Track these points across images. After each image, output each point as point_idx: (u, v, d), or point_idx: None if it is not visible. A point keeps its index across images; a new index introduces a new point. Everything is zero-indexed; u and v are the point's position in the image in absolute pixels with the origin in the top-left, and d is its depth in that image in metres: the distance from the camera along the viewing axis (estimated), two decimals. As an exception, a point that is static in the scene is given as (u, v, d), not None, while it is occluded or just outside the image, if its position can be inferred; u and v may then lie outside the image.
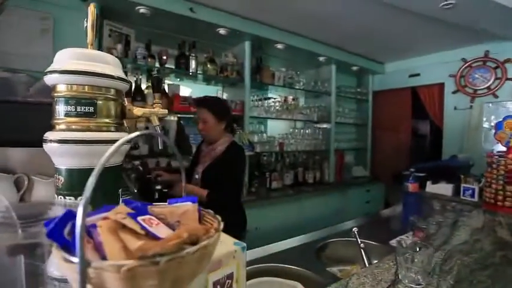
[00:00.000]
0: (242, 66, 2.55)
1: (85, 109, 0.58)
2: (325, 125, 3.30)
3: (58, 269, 0.50)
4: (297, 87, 3.06)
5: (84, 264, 0.25)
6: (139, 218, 0.33)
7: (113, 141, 0.61)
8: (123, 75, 0.67)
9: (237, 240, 0.59)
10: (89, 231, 0.31)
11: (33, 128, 0.72)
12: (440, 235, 1.16)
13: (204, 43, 2.45)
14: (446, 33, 2.57)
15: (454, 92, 2.98)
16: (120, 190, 0.67)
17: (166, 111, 0.74)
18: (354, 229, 1.28)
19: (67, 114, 0.58)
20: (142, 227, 0.31)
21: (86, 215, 0.26)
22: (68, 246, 0.29)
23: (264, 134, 2.85)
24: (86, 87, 0.60)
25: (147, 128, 1.73)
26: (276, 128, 3.26)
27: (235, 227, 1.55)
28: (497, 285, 0.74)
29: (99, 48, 1.82)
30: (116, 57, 1.86)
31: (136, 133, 0.35)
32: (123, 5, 1.80)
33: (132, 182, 2.02)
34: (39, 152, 0.64)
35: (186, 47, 2.31)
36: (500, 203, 1.47)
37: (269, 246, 1.38)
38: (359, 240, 1.16)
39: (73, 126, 0.59)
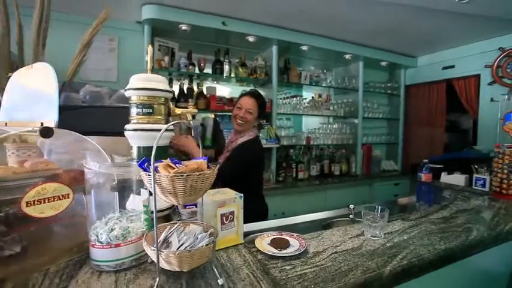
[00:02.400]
0: (270, 68, 2.85)
1: (147, 110, 0.96)
2: (355, 120, 3.44)
3: (131, 204, 0.88)
4: (324, 84, 3.25)
5: (154, 174, 0.60)
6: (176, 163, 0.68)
7: (162, 130, 0.99)
8: (168, 88, 1.03)
9: (238, 193, 0.91)
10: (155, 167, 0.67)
11: (113, 123, 1.13)
12: (427, 212, 1.33)
13: (237, 49, 2.81)
14: (480, 23, 2.50)
15: (490, 83, 2.88)
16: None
17: (196, 110, 1.09)
18: (350, 206, 1.51)
19: (137, 114, 0.96)
20: (175, 164, 0.65)
21: (154, 159, 0.60)
22: (146, 171, 0.65)
23: (292, 129, 3.12)
24: (147, 97, 0.97)
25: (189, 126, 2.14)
26: (312, 123, 3.52)
27: (255, 215, 1.58)
28: (443, 244, 0.93)
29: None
30: (164, 67, 2.31)
31: (172, 123, 0.70)
32: (169, 24, 2.24)
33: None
34: (116, 139, 1.04)
35: (221, 54, 2.69)
36: (504, 191, 1.54)
37: (286, 219, 1.66)
38: (352, 214, 1.40)
39: (140, 121, 0.97)
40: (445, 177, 2.04)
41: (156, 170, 0.64)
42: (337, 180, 3.18)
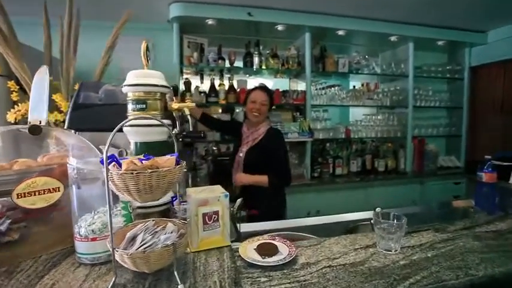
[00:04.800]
0: (303, 57, 2.68)
1: (140, 106, 0.96)
2: (404, 110, 3.03)
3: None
4: (366, 71, 2.94)
5: (107, 170, 0.58)
6: (143, 160, 0.65)
7: (157, 126, 0.98)
8: (164, 84, 1.01)
9: (224, 191, 0.85)
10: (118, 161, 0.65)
11: (123, 119, 1.17)
12: (475, 223, 1.07)
13: (268, 40, 2.71)
14: None
15: None
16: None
17: (194, 104, 1.05)
18: (377, 209, 1.31)
19: (132, 110, 0.97)
20: (140, 160, 0.62)
21: (107, 156, 0.58)
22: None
23: (328, 121, 2.90)
24: (143, 93, 0.97)
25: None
26: (356, 114, 3.25)
27: (275, 205, 1.77)
28: (482, 269, 0.72)
29: (181, 57, 2.36)
30: (193, 63, 2.34)
31: (161, 120, 0.67)
32: (196, 20, 2.26)
33: (206, 161, 2.52)
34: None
35: (251, 46, 2.63)
36: None
37: (305, 219, 1.55)
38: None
39: (133, 117, 0.97)
40: (514, 178, 1.63)
41: (120, 166, 0.62)
42: (381, 177, 2.87)
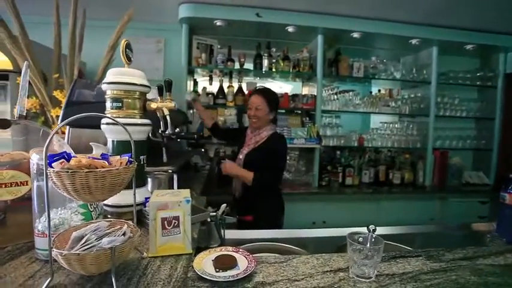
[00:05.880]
0: (315, 60, 2.59)
1: (116, 104, 0.95)
2: (426, 119, 2.82)
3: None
4: (384, 77, 2.77)
5: (46, 167, 0.56)
6: (95, 158, 0.63)
7: (134, 125, 0.97)
8: (145, 83, 1.00)
9: (188, 196, 0.81)
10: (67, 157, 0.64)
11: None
12: (481, 253, 0.94)
13: (280, 42, 2.66)
14: None
15: None
16: (143, 157, 1.02)
17: (173, 104, 1.03)
18: (370, 226, 1.20)
19: (110, 108, 0.97)
20: (89, 157, 0.61)
21: (47, 153, 0.57)
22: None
23: (340, 128, 2.78)
24: (123, 91, 0.97)
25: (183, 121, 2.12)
26: (374, 122, 3.13)
27: (272, 211, 1.73)
28: None
29: (189, 59, 2.38)
30: (201, 64, 2.36)
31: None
32: (205, 21, 2.27)
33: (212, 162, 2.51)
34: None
35: (261, 48, 2.59)
36: None
37: (299, 230, 1.47)
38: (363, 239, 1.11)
39: (114, 115, 0.97)
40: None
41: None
42: (396, 190, 2.68)
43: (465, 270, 0.80)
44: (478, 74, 2.84)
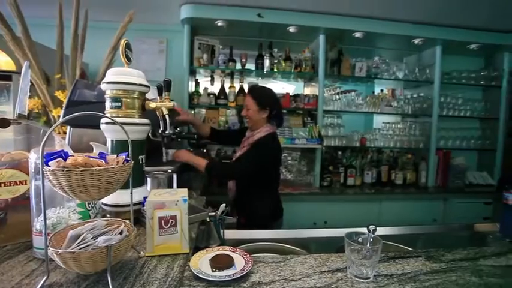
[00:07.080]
0: (317, 61, 2.58)
1: (115, 104, 0.96)
2: (428, 119, 2.80)
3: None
4: (386, 76, 2.75)
5: (42, 165, 0.57)
6: (92, 157, 0.64)
7: (132, 124, 0.98)
8: (144, 83, 1.00)
9: (185, 195, 0.81)
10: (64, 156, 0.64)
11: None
12: (482, 253, 0.92)
13: (282, 42, 2.65)
14: None
15: None
16: (142, 156, 1.03)
17: (172, 104, 1.04)
18: (370, 226, 1.19)
19: (110, 107, 0.98)
20: (86, 156, 0.61)
21: (43, 152, 0.57)
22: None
23: (342, 128, 2.76)
24: (122, 91, 0.97)
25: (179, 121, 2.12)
26: (376, 122, 3.13)
27: (263, 213, 1.62)
28: None
29: (191, 59, 2.38)
30: (203, 64, 2.35)
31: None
32: (207, 22, 2.28)
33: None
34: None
35: (263, 48, 2.59)
36: None
37: (300, 230, 1.46)
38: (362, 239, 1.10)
39: (113, 115, 0.97)
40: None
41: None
42: (398, 191, 2.66)
43: (465, 271, 0.79)
44: (482, 74, 2.81)
